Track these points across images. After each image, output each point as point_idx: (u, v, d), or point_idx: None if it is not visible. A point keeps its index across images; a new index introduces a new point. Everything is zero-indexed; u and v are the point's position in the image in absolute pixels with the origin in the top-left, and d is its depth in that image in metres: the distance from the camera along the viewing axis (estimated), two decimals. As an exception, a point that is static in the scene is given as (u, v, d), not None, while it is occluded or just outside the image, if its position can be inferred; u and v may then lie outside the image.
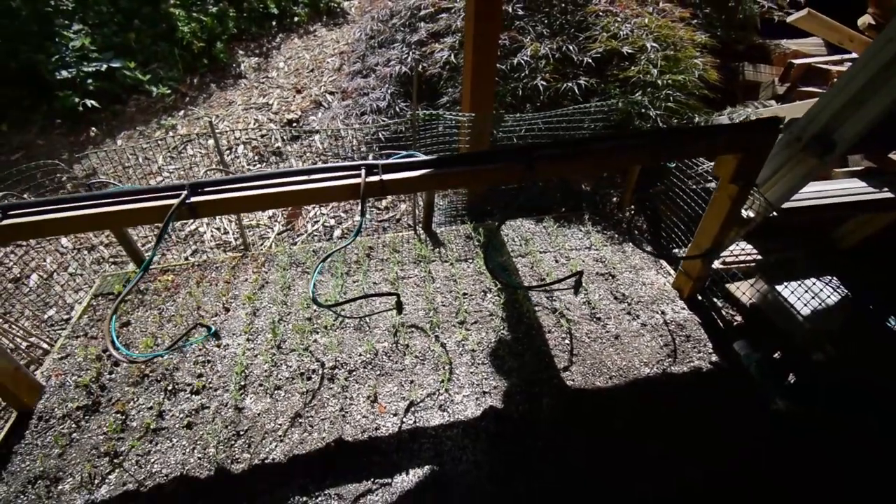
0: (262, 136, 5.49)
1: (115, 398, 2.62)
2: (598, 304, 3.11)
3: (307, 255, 3.57)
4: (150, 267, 3.57)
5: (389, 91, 5.01)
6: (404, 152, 2.31)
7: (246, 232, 4.11)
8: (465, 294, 3.19)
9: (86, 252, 4.24)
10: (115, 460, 2.34)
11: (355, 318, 3.00)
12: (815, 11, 4.00)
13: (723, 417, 2.50)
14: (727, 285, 3.41)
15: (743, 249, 3.65)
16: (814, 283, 2.96)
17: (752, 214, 3.09)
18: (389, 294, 1.85)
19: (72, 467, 2.32)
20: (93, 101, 5.30)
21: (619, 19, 4.06)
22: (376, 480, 2.22)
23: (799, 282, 3.05)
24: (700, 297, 3.21)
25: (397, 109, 4.89)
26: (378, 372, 2.71)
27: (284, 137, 5.44)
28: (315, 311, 3.09)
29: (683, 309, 3.11)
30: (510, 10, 4.38)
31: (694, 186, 3.72)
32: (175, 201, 1.88)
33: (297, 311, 3.09)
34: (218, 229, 4.47)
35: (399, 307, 1.87)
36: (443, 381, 2.64)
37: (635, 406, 2.54)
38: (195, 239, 4.37)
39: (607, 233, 3.82)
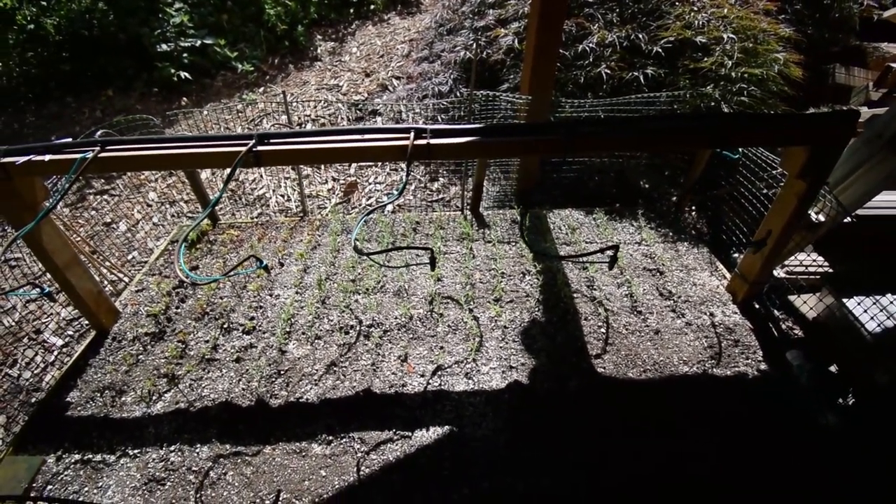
0: (330, 114, 5.80)
1: (178, 329, 2.92)
2: (640, 298, 3.01)
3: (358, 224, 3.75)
4: (221, 223, 3.92)
5: (452, 76, 5.11)
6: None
7: (306, 200, 4.37)
8: (503, 273, 3.21)
9: (168, 206, 4.71)
10: (172, 381, 2.62)
11: (393, 270, 3.13)
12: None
13: (763, 424, 2.36)
14: (789, 296, 3.18)
15: (813, 260, 3.37)
16: (890, 301, 2.69)
17: (822, 218, 2.86)
18: (424, 248, 1.92)
19: (135, 383, 2.63)
20: (186, 74, 5.85)
21: (694, 8, 3.88)
22: (398, 432, 2.32)
23: (871, 297, 2.78)
24: (756, 304, 3.02)
25: (458, 94, 4.97)
26: (411, 335, 2.81)
27: (350, 117, 5.71)
28: (359, 273, 3.25)
29: (735, 313, 2.94)
30: (581, -3, 4.32)
31: (764, 190, 3.49)
32: (243, 148, 2.07)
33: (343, 273, 3.26)
34: (282, 196, 4.79)
35: (433, 263, 1.94)
36: (472, 351, 2.69)
37: (666, 401, 2.46)
38: (261, 203, 4.72)
39: (661, 230, 3.67)
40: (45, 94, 6.02)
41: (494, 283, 3.13)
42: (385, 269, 3.24)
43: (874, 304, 2.76)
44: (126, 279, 3.71)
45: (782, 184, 3.22)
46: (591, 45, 3.89)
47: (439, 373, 2.59)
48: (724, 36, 3.67)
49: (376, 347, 2.74)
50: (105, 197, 4.78)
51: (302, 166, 4.78)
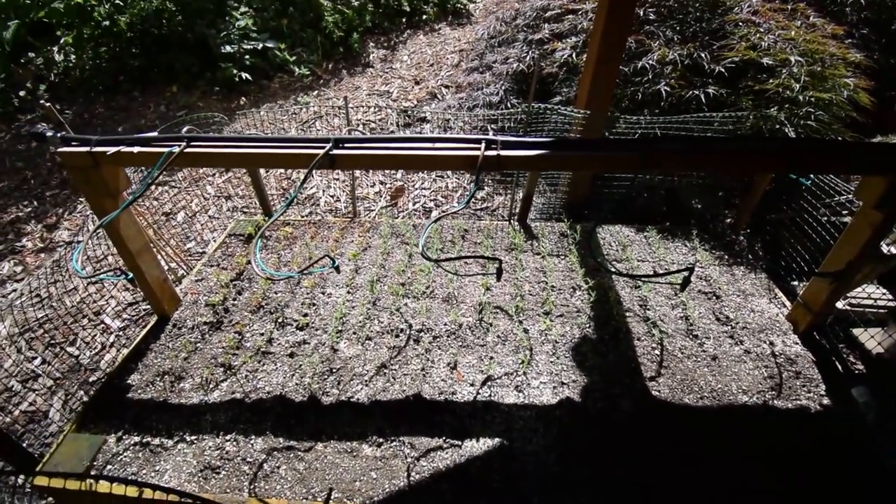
0: (380, 119, 5.92)
1: (235, 320, 3.02)
2: (697, 321, 2.93)
3: (407, 227, 3.80)
4: (277, 220, 4.04)
5: (503, 87, 5.14)
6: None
7: (352, 202, 4.47)
8: (553, 287, 3.19)
9: (224, 200, 4.90)
10: (229, 371, 2.70)
11: (455, 278, 3.15)
12: None
13: (825, 463, 2.24)
14: (853, 329, 3.03)
15: (880, 292, 3.21)
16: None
17: (894, 251, 2.73)
18: (493, 259, 1.93)
19: (193, 370, 2.73)
20: (247, 75, 6.10)
21: (761, 30, 3.78)
22: (447, 440, 2.32)
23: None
24: (817, 336, 2.90)
25: (508, 105, 4.99)
26: (460, 343, 2.82)
27: (399, 123, 5.82)
28: (409, 277, 3.29)
29: (796, 343, 2.82)
30: (641, 13, 4.28)
31: (826, 216, 3.35)
32: (321, 151, 2.14)
33: (393, 276, 3.31)
34: (332, 196, 4.91)
35: (499, 274, 1.95)
36: (522, 363, 2.67)
37: (724, 430, 2.38)
38: (312, 202, 4.85)
39: (716, 252, 3.57)
40: (114, 87, 6.39)
41: (544, 295, 3.11)
42: (435, 275, 3.27)
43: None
44: (184, 268, 3.87)
45: (854, 212, 3.11)
46: (650, 62, 3.85)
47: (489, 383, 2.58)
48: (792, 58, 3.56)
49: (426, 353, 2.76)
50: (165, 188, 5.02)
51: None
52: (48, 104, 2.41)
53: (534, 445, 2.30)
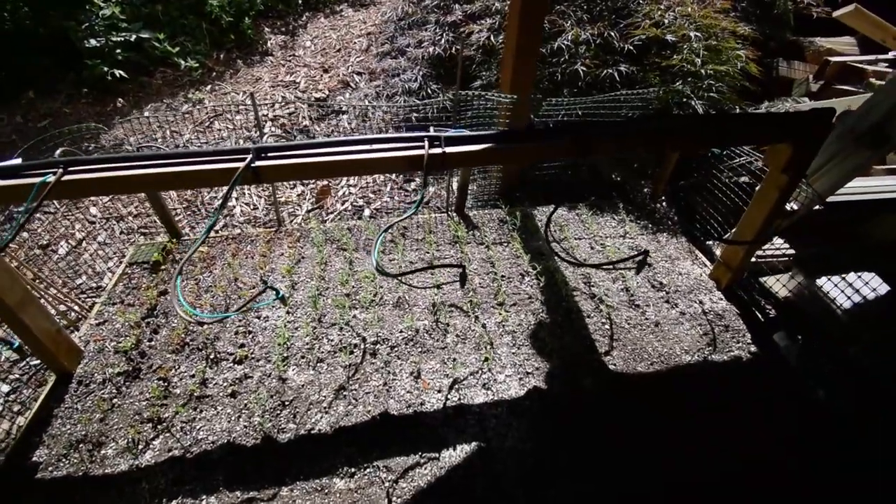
0: (290, 113, 5.45)
1: (155, 365, 2.62)
2: (636, 291, 3.09)
3: (342, 232, 3.55)
4: (183, 238, 3.57)
5: (421, 73, 4.96)
6: (456, 128, 2.29)
7: (275, 209, 4.09)
8: (502, 276, 3.17)
9: (114, 222, 4.23)
10: (159, 426, 2.34)
11: (414, 289, 2.99)
12: (862, 7, 3.93)
13: (763, 406, 2.50)
14: (762, 279, 3.39)
15: (777, 244, 3.62)
16: (856, 278, 2.94)
17: (795, 206, 3.07)
18: (455, 266, 1.83)
19: (114, 432, 2.33)
20: (121, 72, 5.25)
21: (661, 7, 4.00)
22: (424, 454, 2.22)
23: (839, 276, 3.03)
24: (738, 290, 3.20)
25: (429, 91, 4.84)
26: (420, 349, 2.70)
27: (312, 116, 5.40)
28: (353, 286, 3.08)
29: (721, 300, 3.10)
30: (550, -7, 4.32)
31: (726, 180, 3.69)
32: (241, 165, 1.86)
33: (336, 287, 3.08)
34: (247, 204, 4.45)
35: (463, 280, 1.86)
36: (486, 359, 2.63)
37: (677, 392, 2.54)
38: (226, 213, 4.35)
39: (640, 222, 3.79)
40: (-55, 99, 5.17)
41: (495, 286, 3.09)
42: (381, 281, 3.09)
43: (842, 281, 3.00)
44: (77, 309, 3.28)
45: (744, 178, 3.45)
46: (566, 42, 3.91)
47: (456, 386, 2.51)
48: (691, 34, 3.82)
49: (385, 365, 2.61)
50: (38, 215, 4.20)
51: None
52: None
53: (510, 441, 2.29)
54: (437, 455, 2.22)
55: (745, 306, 3.08)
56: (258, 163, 1.90)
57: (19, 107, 5.38)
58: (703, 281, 3.23)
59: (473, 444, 2.27)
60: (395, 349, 2.70)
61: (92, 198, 4.40)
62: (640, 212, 3.91)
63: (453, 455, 2.22)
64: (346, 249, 3.40)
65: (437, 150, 1.99)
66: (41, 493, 2.10)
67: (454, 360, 2.64)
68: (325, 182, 4.75)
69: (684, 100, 3.71)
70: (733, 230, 3.25)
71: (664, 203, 4.13)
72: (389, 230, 3.60)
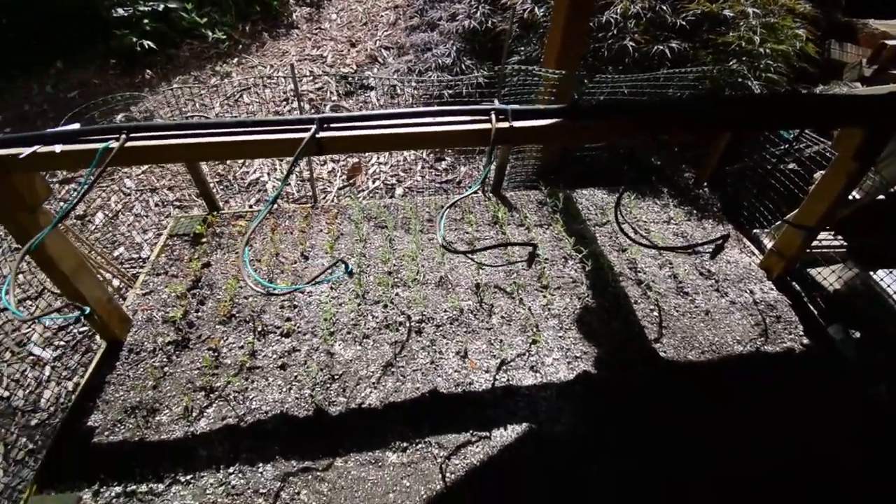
0: (318, 88, 5.37)
1: (204, 335, 2.63)
2: (685, 278, 3.03)
3: (380, 209, 3.51)
4: (222, 212, 3.55)
5: (454, 47, 4.83)
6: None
7: (314, 185, 4.05)
8: (546, 259, 3.12)
9: (149, 194, 4.23)
10: (212, 395, 2.36)
11: (444, 260, 2.96)
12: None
13: (819, 401, 2.45)
14: (811, 270, 3.30)
15: (831, 234, 3.51)
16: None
17: (857, 196, 2.95)
18: (526, 244, 1.78)
19: (168, 399, 2.35)
20: (149, 43, 5.19)
21: (716, -20, 3.82)
22: (475, 433, 2.22)
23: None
24: (790, 280, 3.11)
25: (462, 67, 4.71)
26: (465, 329, 2.68)
27: (340, 91, 5.31)
28: (394, 265, 3.05)
29: (772, 289, 3.02)
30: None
31: (781, 167, 3.56)
32: (305, 135, 1.80)
33: (377, 265, 3.05)
34: (278, 180, 4.41)
35: (531, 259, 1.81)
36: (533, 342, 2.60)
37: (727, 381, 2.50)
38: (258, 188, 4.33)
39: (684, 207, 3.69)
40: (-21, 67, 5.16)
41: (538, 269, 3.04)
42: (422, 260, 3.06)
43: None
44: (116, 279, 3.30)
45: (791, 165, 3.32)
46: (614, 15, 3.76)
47: (504, 367, 2.49)
48: (749, 10, 3.64)
49: (431, 344, 2.59)
50: (72, 185, 4.21)
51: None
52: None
53: (562, 425, 2.27)
54: (487, 434, 2.21)
55: (797, 297, 3.00)
56: (322, 134, 1.84)
57: (49, 77, 5.37)
58: (752, 270, 3.15)
59: (525, 425, 2.25)
60: (441, 328, 2.67)
61: (125, 170, 4.40)
62: (684, 197, 3.80)
63: (505, 435, 2.21)
64: (384, 227, 3.36)
65: (505, 125, 1.92)
66: (99, 457, 2.13)
67: (500, 341, 2.61)
68: (356, 160, 4.69)
69: (739, 80, 3.56)
70: (785, 219, 3.16)
71: (707, 189, 4.01)
72: (414, 202, 3.55)
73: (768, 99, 2.29)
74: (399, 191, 4.41)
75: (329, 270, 2.29)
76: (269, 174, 4.46)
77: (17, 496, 2.40)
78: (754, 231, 3.59)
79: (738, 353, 2.63)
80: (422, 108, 1.98)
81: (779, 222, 3.33)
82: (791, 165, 3.60)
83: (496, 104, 1.98)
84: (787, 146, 3.49)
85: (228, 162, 4.53)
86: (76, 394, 2.38)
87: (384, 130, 1.90)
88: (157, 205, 4.15)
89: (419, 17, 5.76)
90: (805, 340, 2.74)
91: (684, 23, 3.69)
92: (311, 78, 5.49)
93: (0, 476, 2.54)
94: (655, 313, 2.82)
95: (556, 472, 2.10)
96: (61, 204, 4.02)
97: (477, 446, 2.17)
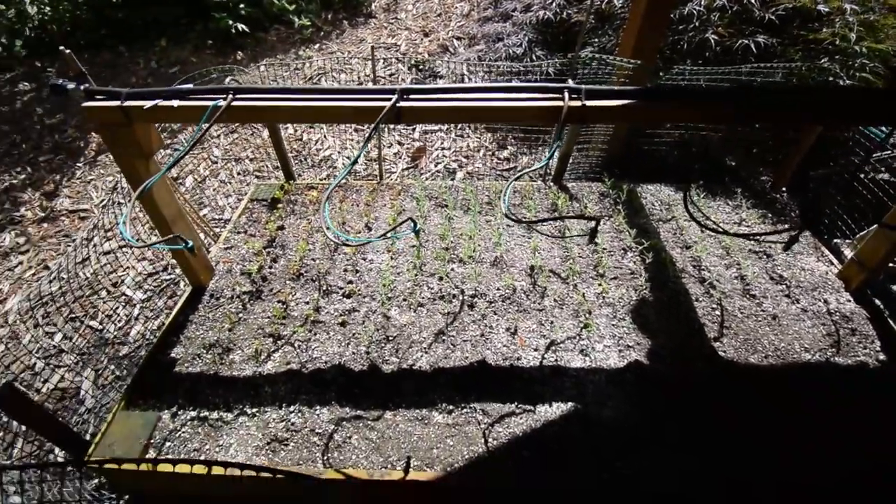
0: (390, 75, 5.58)
1: (275, 289, 2.87)
2: (752, 281, 2.89)
3: (441, 190, 3.63)
4: (297, 182, 3.82)
5: (527, 38, 4.85)
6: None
7: (380, 164, 4.24)
8: (604, 249, 3.10)
9: (233, 163, 4.61)
10: (279, 341, 2.58)
11: (501, 241, 3.03)
12: None
13: (892, 414, 2.27)
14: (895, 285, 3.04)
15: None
16: None
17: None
18: (591, 218, 1.81)
19: (241, 341, 2.59)
20: (243, 26, 5.62)
21: (814, -27, 3.58)
22: (520, 405, 2.27)
23: None
24: (869, 293, 2.89)
25: (533, 57, 4.73)
26: (516, 308, 2.73)
27: (411, 78, 5.49)
28: (451, 241, 3.15)
29: (849, 301, 2.82)
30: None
31: (862, 175, 3.30)
32: (387, 104, 1.93)
33: (435, 240, 3.17)
34: (347, 158, 4.66)
35: (593, 235, 1.83)
36: (585, 326, 2.61)
37: (793, 389, 2.38)
38: (328, 164, 4.60)
39: (758, 210, 3.51)
40: (98, 42, 5.84)
41: (595, 258, 3.03)
42: (479, 239, 3.14)
43: None
44: (209, 235, 3.65)
45: (883, 175, 3.04)
46: (697, 7, 3.63)
47: (553, 348, 2.52)
48: (846, 6, 3.39)
49: (482, 318, 2.67)
50: (168, 152, 4.68)
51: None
52: (68, 51, 2.12)
53: (609, 410, 2.27)
54: (532, 408, 2.26)
55: (877, 312, 2.78)
56: (402, 103, 1.97)
57: (153, 53, 5.96)
58: (829, 279, 2.95)
59: (570, 405, 2.28)
60: (493, 304, 2.74)
61: (214, 140, 4.82)
62: (759, 200, 3.61)
63: (549, 412, 2.25)
64: (444, 206, 3.47)
65: (577, 103, 1.95)
66: (178, 384, 2.40)
67: (551, 322, 2.64)
68: (421, 143, 4.85)
69: (829, 78, 3.33)
70: (870, 229, 2.94)
71: (785, 193, 3.78)
72: (474, 185, 3.62)
73: (869, 92, 2.15)
74: (460, 175, 4.51)
75: (399, 227, 2.43)
76: (339, 152, 4.72)
77: (104, 413, 2.76)
78: (834, 241, 3.35)
79: (805, 361, 2.49)
80: (497, 84, 2.05)
81: (864, 231, 3.10)
82: (883, 175, 3.33)
83: (570, 83, 2.01)
84: (881, 153, 3.23)
85: (304, 138, 4.84)
86: (164, 328, 2.68)
87: (460, 103, 1.99)
88: (238, 173, 4.52)
89: (493, 9, 5.82)
90: (882, 356, 2.54)
91: (773, 17, 3.50)
92: (385, 65, 5.72)
93: (91, 396, 2.91)
94: (717, 312, 2.72)
95: (605, 456, 2.11)
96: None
97: (521, 418, 2.23)
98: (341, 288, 2.84)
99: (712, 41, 3.54)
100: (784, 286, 2.88)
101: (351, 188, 3.73)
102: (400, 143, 4.88)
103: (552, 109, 1.96)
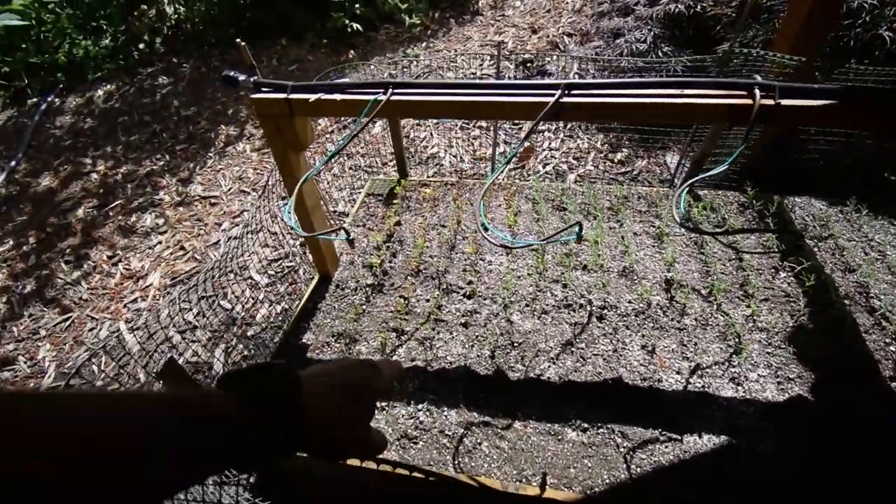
0: (498, 73, 5.49)
1: (396, 284, 2.89)
2: (943, 315, 2.45)
3: (557, 192, 3.48)
4: (411, 179, 3.86)
5: (652, 33, 4.53)
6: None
7: (480, 163, 4.19)
8: (750, 266, 2.78)
9: (345, 158, 4.78)
10: (402, 336, 2.59)
11: (629, 251, 2.84)
12: None
13: None
14: None
15: None
16: None
17: None
18: (770, 231, 1.59)
19: (366, 333, 2.64)
20: (357, 25, 5.83)
21: None
22: (664, 432, 2.08)
23: None
24: None
25: (659, 54, 4.41)
26: (652, 324, 2.52)
27: (517, 76, 5.37)
28: (573, 247, 3.00)
29: None
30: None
31: None
32: (550, 99, 1.84)
33: (556, 245, 3.03)
34: (454, 156, 4.65)
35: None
36: (735, 352, 2.35)
37: None
38: (434, 162, 4.62)
39: (939, 234, 2.98)
40: (227, 41, 6.36)
41: (740, 276, 2.72)
42: (604, 247, 2.96)
43: None
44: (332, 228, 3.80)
45: None
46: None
47: (699, 372, 2.29)
48: None
49: (614, 332, 2.50)
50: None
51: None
52: (243, 44, 2.26)
53: (765, 447, 2.01)
54: (679, 437, 2.06)
55: None
56: (566, 99, 1.86)
57: (275, 52, 6.37)
58: None
59: (722, 437, 2.05)
60: (625, 318, 2.56)
61: (328, 136, 5.04)
62: (937, 221, 3.07)
63: (698, 443, 2.04)
64: (563, 209, 3.32)
65: (770, 102, 1.72)
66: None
67: (695, 344, 2.40)
68: (529, 143, 4.72)
69: None
70: None
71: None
72: (595, 188, 3.41)
73: None
74: (571, 177, 4.33)
75: (564, 231, 2.32)
76: (445, 150, 4.72)
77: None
78: None
79: None
80: (670, 79, 1.87)
81: None
82: None
83: (758, 79, 1.79)
84: None
85: (411, 136, 4.91)
86: (295, 313, 2.80)
87: (631, 99, 1.85)
88: (350, 168, 4.68)
89: (609, 3, 5.53)
90: None
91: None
92: (491, 62, 5.65)
93: (223, 371, 3.13)
94: (893, 348, 2.33)
95: (761, 498, 1.87)
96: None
97: (666, 447, 2.04)
98: (461, 288, 2.80)
99: (887, 38, 3.05)
100: None
101: (463, 187, 3.69)
102: (506, 143, 4.79)
103: (740, 108, 1.76)
